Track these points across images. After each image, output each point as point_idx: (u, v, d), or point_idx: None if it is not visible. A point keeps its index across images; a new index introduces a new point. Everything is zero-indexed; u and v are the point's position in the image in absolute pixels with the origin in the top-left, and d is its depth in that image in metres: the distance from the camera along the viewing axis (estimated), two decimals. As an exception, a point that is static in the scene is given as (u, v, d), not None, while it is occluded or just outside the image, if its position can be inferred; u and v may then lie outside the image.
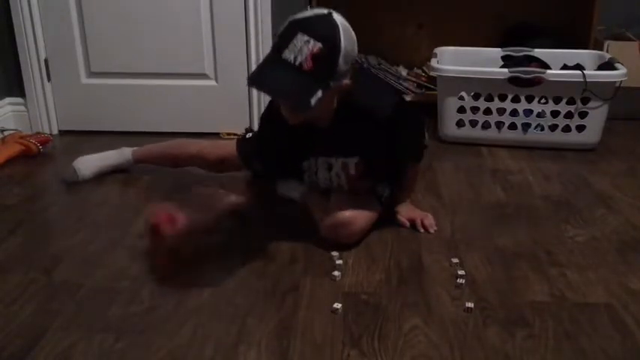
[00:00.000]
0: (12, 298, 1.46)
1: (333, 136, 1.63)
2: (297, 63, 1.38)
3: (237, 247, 1.70)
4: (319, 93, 1.40)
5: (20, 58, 2.53)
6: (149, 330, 1.35)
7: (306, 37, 1.39)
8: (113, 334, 1.33)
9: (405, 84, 2.98)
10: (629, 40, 2.73)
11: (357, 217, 1.67)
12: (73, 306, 1.43)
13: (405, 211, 1.82)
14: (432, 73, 2.71)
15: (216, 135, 2.57)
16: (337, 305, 1.41)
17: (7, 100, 2.61)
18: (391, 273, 1.57)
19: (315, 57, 1.38)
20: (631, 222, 1.85)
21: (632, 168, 2.28)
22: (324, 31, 1.42)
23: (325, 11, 1.47)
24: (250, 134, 1.98)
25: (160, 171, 2.17)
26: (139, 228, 1.80)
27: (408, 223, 1.80)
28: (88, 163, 2.12)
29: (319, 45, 1.39)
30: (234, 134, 2.57)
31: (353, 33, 1.49)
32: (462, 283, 1.51)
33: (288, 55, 1.39)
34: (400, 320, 1.38)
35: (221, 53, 2.53)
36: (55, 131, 2.65)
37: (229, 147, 1.95)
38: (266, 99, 2.54)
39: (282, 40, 1.43)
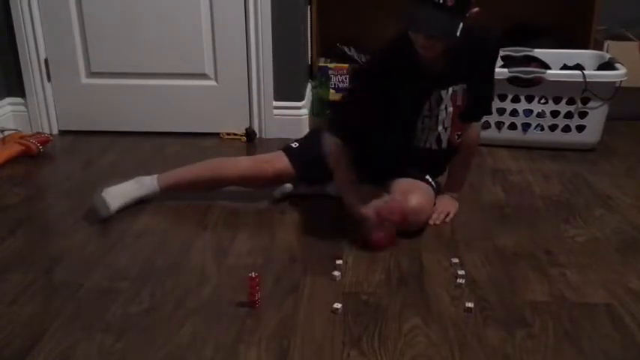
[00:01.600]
0: (12, 298, 1.46)
1: (446, 66, 1.70)
2: (441, 1, 1.50)
3: (236, 247, 1.71)
4: (460, 24, 1.54)
5: (20, 58, 2.53)
6: (149, 330, 1.35)
7: None
8: (113, 334, 1.33)
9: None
10: (629, 40, 2.74)
11: (424, 204, 1.74)
12: (73, 306, 1.43)
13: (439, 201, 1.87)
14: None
15: (216, 135, 2.57)
16: (337, 305, 1.41)
17: (7, 100, 2.61)
18: (391, 273, 1.57)
19: None
20: (631, 222, 1.85)
21: (632, 168, 2.28)
22: None
23: None
24: (296, 143, 1.96)
25: (160, 171, 2.17)
26: (138, 228, 1.81)
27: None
28: (116, 197, 1.89)
29: None
30: (234, 134, 2.58)
31: None
32: (461, 283, 1.51)
33: None
34: (400, 320, 1.38)
35: (221, 53, 2.53)
36: (55, 131, 2.65)
37: (282, 160, 1.91)
38: (265, 98, 2.55)
39: None
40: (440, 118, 1.77)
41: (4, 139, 2.42)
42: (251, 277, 1.41)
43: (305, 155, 1.92)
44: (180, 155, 2.39)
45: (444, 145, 1.81)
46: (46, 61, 2.56)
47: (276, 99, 2.56)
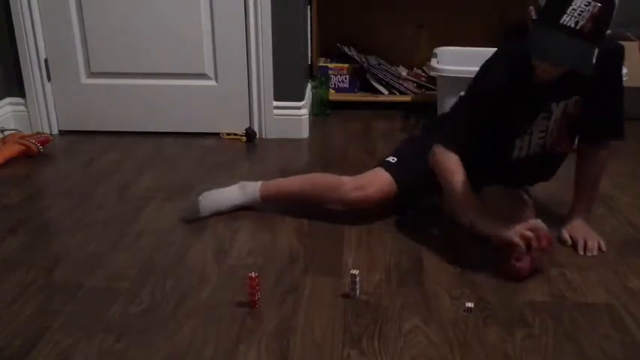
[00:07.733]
0: (12, 298, 1.46)
1: (560, 80, 1.56)
2: (578, 27, 1.39)
3: (236, 247, 1.71)
4: (595, 51, 1.42)
5: (20, 58, 2.53)
6: (149, 330, 1.35)
7: (586, 0, 1.38)
8: (113, 334, 1.33)
9: (405, 84, 2.98)
10: (629, 40, 2.73)
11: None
12: (73, 306, 1.43)
13: (573, 227, 1.73)
14: (431, 73, 2.71)
15: (216, 135, 2.57)
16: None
17: (7, 100, 2.61)
18: (391, 273, 1.57)
19: (594, 18, 1.38)
20: (631, 222, 1.85)
21: (633, 168, 2.28)
22: None
23: None
24: (394, 158, 1.84)
25: (160, 171, 2.17)
26: (138, 228, 1.81)
27: (569, 240, 1.71)
28: (211, 203, 1.85)
29: (599, 5, 1.38)
30: (234, 134, 2.58)
31: None
32: (461, 283, 1.51)
33: (568, 20, 1.39)
34: (400, 320, 1.38)
35: (221, 53, 2.53)
36: (55, 131, 2.65)
37: (382, 180, 1.78)
38: (265, 98, 2.55)
39: (558, 5, 1.41)
40: (548, 130, 1.68)
41: (4, 139, 2.42)
42: (251, 277, 1.41)
43: (407, 169, 1.80)
44: (180, 155, 2.40)
45: (548, 149, 1.74)
46: (46, 61, 2.56)
47: (276, 99, 2.56)
